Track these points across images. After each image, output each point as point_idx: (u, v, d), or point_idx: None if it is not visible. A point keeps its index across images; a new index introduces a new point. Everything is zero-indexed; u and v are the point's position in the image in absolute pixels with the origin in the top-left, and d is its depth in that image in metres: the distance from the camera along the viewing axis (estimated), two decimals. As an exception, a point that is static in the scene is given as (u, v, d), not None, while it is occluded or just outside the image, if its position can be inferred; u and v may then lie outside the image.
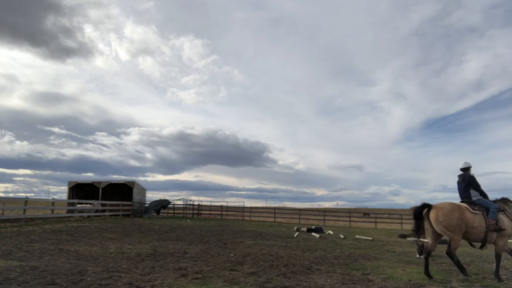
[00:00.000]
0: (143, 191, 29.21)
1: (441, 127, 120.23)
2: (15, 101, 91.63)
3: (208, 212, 30.19)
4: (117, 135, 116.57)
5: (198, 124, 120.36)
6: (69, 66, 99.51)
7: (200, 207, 30.47)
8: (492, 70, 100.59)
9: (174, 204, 30.10)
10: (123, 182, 27.59)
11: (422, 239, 13.35)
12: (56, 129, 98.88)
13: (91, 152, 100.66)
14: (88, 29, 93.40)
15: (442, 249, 11.80)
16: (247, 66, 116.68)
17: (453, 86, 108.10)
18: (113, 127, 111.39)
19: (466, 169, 6.93)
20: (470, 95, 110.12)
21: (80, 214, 20.37)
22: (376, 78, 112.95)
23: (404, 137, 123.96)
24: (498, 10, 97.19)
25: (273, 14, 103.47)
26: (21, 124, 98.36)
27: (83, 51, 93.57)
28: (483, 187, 6.73)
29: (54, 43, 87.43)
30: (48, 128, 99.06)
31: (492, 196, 6.74)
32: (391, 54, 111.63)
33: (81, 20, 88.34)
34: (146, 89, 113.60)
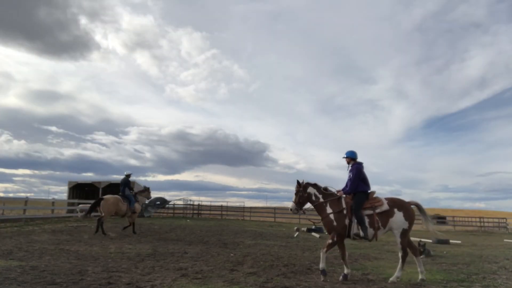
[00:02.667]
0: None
1: (442, 126, 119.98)
2: (11, 100, 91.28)
3: (208, 212, 30.18)
4: (116, 134, 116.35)
5: (197, 123, 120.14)
6: (65, 63, 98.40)
7: (200, 207, 30.47)
8: (496, 67, 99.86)
9: (174, 204, 30.09)
10: None
11: (422, 240, 13.34)
12: (53, 128, 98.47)
13: (90, 152, 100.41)
14: (83, 21, 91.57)
15: (442, 249, 11.82)
16: (247, 61, 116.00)
17: (455, 84, 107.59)
18: (111, 126, 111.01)
19: None
20: (473, 93, 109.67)
21: (81, 214, 20.37)
22: (377, 76, 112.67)
23: (405, 136, 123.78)
24: (503, 5, 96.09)
25: (273, 7, 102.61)
26: (18, 123, 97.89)
27: (79, 44, 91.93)
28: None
29: (49, 37, 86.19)
30: (45, 127, 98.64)
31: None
32: (393, 50, 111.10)
33: (76, 12, 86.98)
34: (144, 87, 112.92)
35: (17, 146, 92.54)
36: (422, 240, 12.88)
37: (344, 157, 6.38)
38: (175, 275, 5.49)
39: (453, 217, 35.05)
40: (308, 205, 6.27)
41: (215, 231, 14.57)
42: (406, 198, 6.18)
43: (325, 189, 6.17)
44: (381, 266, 7.30)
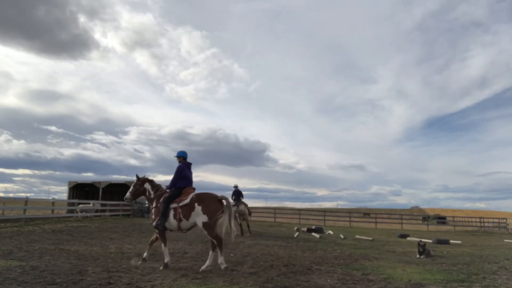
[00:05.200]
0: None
1: (442, 126, 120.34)
2: (11, 99, 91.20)
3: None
4: (115, 134, 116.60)
5: (197, 123, 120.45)
6: (65, 62, 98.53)
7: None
8: (496, 67, 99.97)
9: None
10: (124, 182, 27.58)
11: (422, 240, 13.33)
12: (53, 128, 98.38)
13: (90, 152, 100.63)
14: (82, 19, 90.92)
15: (442, 249, 11.82)
16: (247, 61, 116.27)
17: (456, 84, 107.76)
18: (111, 126, 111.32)
19: None
20: (473, 93, 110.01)
21: (81, 214, 20.39)
22: (378, 75, 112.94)
23: (405, 136, 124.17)
24: (504, 4, 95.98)
25: (273, 6, 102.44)
26: (17, 122, 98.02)
27: (78, 43, 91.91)
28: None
29: (48, 36, 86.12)
30: (44, 127, 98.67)
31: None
32: (393, 50, 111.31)
33: (75, 10, 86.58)
34: (143, 86, 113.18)
35: (17, 146, 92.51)
36: (422, 240, 12.89)
37: (175, 156, 6.95)
38: (175, 275, 5.49)
39: (453, 217, 35.08)
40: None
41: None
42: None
43: (159, 186, 6.84)
44: (381, 266, 7.30)
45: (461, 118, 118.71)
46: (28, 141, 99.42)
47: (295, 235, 14.81)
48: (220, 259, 5.96)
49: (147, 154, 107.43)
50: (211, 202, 6.09)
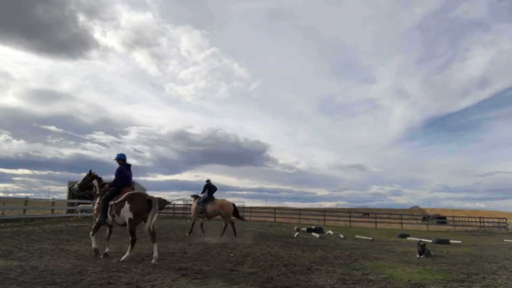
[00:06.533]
0: (143, 190, 29.18)
1: (443, 125, 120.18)
2: (10, 99, 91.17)
3: (208, 212, 30.08)
4: (115, 134, 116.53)
5: (197, 123, 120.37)
6: (64, 61, 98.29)
7: (200, 207, 30.36)
8: (497, 66, 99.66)
9: (174, 204, 30.08)
10: None
11: (422, 240, 13.32)
12: (52, 128, 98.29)
13: (90, 152, 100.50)
14: (82, 18, 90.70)
15: (442, 249, 11.82)
16: (247, 60, 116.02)
17: (456, 83, 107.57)
18: (111, 126, 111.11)
19: None
20: (474, 93, 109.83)
21: (81, 214, 20.38)
22: (378, 75, 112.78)
23: (406, 136, 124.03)
24: (504, 3, 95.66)
25: (274, 5, 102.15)
26: (17, 122, 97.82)
27: (77, 42, 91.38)
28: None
29: (47, 35, 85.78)
30: (44, 127, 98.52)
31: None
32: (393, 49, 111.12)
33: (74, 9, 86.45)
34: (143, 86, 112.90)
35: (17, 146, 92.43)
36: (422, 240, 12.89)
37: (114, 159, 7.59)
38: (175, 275, 5.49)
39: (453, 217, 35.04)
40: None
41: (215, 231, 14.56)
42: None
43: (104, 184, 7.57)
44: (381, 266, 7.30)
45: (461, 118, 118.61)
46: (27, 141, 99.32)
47: (295, 235, 14.81)
48: (127, 254, 6.60)
49: (147, 154, 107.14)
50: (139, 201, 6.69)
